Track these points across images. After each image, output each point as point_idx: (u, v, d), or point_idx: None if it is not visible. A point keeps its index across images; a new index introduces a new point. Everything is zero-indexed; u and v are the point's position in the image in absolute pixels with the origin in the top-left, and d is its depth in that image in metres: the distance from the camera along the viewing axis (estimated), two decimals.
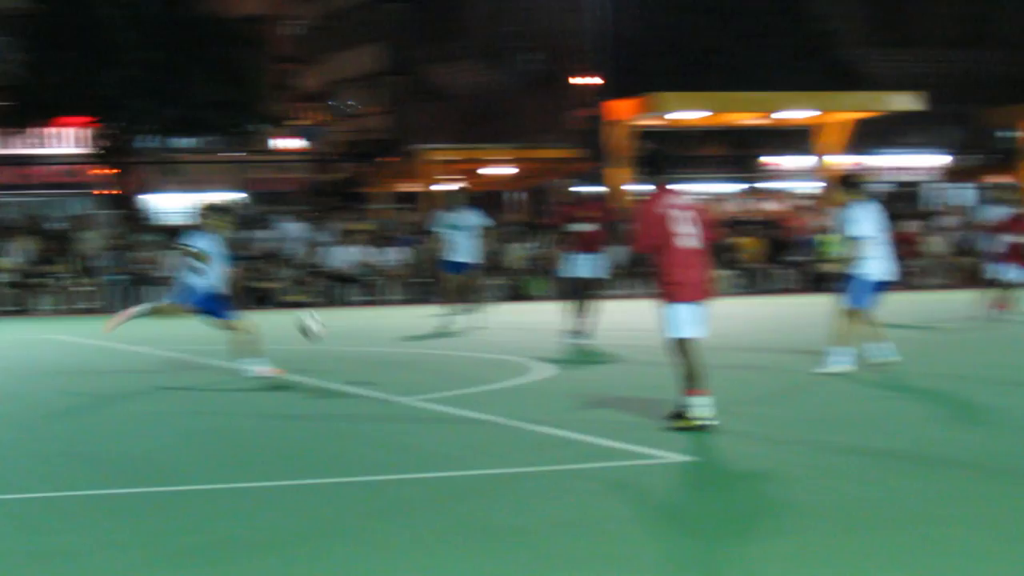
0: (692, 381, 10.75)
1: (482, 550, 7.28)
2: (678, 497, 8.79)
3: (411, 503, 8.49)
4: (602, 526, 7.73)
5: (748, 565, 6.91)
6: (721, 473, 9.60)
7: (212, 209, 15.58)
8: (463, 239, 21.47)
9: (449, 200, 22.54)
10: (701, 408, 10.72)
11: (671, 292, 10.73)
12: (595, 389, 13.67)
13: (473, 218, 21.77)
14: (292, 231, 33.14)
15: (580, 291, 17.70)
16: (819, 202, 36.94)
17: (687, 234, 10.62)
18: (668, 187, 10.87)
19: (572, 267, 17.73)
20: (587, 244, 17.65)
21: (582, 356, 17.17)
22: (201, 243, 14.90)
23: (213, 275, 14.88)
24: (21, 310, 29.88)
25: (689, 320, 10.75)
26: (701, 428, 10.65)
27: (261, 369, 14.83)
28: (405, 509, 8.30)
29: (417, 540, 7.42)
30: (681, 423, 10.73)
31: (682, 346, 10.77)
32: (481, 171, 43.52)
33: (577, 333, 17.61)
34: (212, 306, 14.96)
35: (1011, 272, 21.64)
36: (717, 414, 10.87)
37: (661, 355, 11.40)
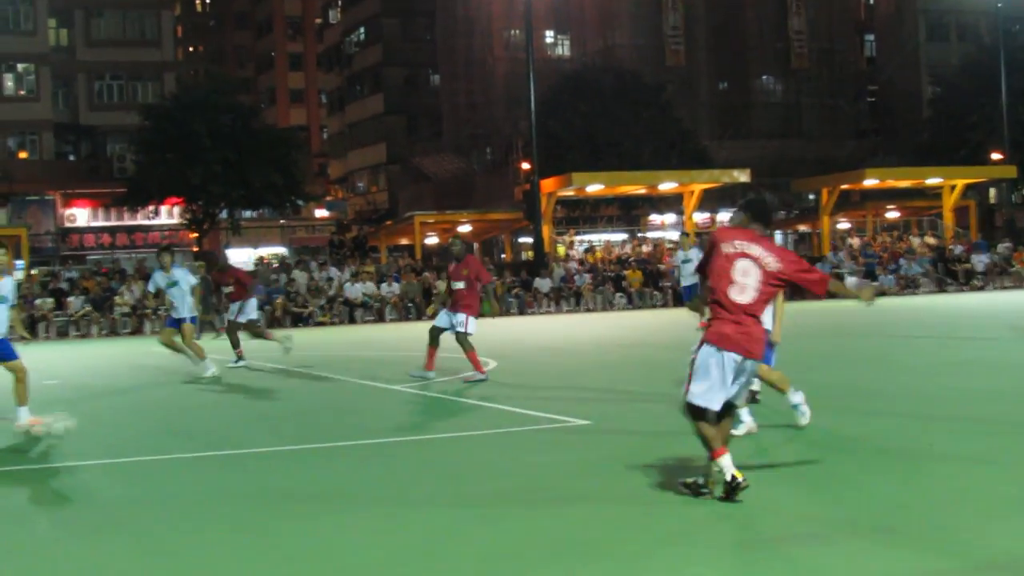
0: None
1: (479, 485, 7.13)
2: (582, 448, 8.40)
3: (398, 459, 8.22)
4: (529, 472, 7.52)
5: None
6: (616, 433, 9.04)
7: None
8: (179, 296, 15.37)
9: (161, 260, 15.57)
10: None
11: None
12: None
13: (183, 275, 15.62)
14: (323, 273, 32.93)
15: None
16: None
17: None
18: None
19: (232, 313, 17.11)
20: (237, 295, 17.17)
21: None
22: None
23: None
24: (134, 332, 29.60)
25: None
26: None
27: (24, 421, 9.71)
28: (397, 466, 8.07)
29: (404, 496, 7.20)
30: None
31: None
32: (459, 228, 43.46)
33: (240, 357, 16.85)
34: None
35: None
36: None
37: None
